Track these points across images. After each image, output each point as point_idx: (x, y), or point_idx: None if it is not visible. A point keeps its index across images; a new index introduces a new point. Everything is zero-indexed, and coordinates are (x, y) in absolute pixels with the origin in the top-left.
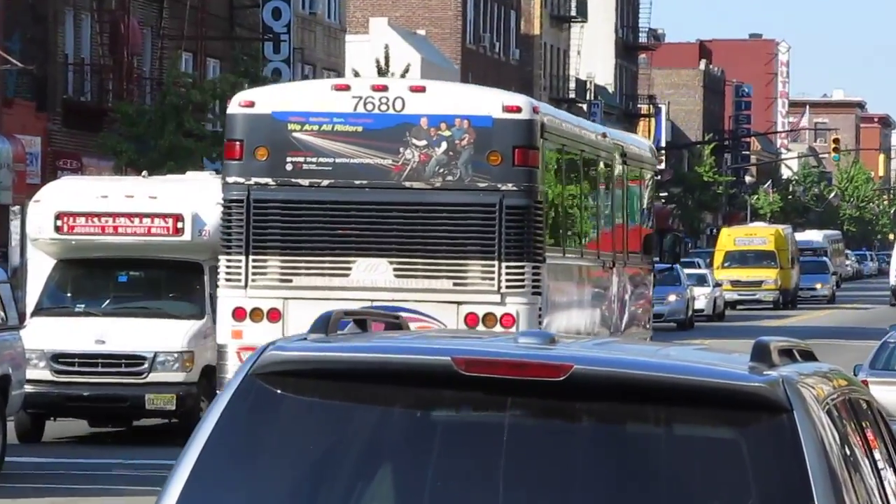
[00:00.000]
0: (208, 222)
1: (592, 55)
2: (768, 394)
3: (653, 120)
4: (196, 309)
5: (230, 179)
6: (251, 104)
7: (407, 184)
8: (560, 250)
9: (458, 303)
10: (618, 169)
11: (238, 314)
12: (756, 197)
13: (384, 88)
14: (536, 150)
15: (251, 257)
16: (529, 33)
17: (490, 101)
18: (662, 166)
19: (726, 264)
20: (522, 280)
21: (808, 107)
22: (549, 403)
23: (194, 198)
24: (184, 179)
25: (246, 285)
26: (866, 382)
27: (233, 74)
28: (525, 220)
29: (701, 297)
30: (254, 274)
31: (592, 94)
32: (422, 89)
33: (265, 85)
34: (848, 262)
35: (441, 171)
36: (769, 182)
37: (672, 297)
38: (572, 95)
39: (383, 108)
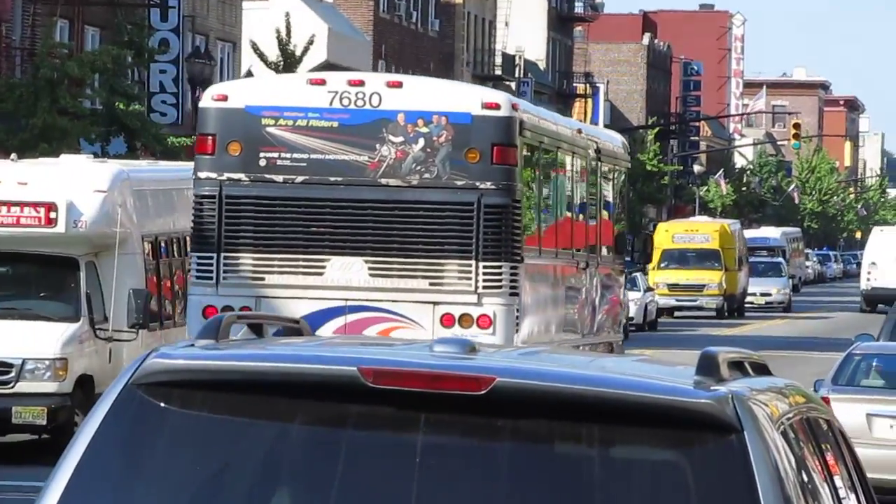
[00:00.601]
0: (85, 212)
1: (522, 27)
2: (716, 412)
3: (590, 101)
4: (70, 310)
5: (202, 175)
6: (224, 98)
7: (383, 181)
8: (536, 250)
9: (435, 303)
10: (592, 166)
11: (208, 312)
12: (706, 189)
13: (361, 83)
14: (515, 147)
15: (223, 254)
16: (451, 2)
17: (469, 98)
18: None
19: (663, 265)
20: (500, 280)
21: (765, 87)
22: (468, 420)
23: (69, 184)
24: (58, 163)
25: (217, 283)
26: (827, 400)
27: (115, 45)
28: (503, 219)
29: (630, 304)
30: (225, 271)
31: (522, 71)
32: (399, 85)
33: (150, 57)
34: (809, 264)
35: (418, 168)
36: (721, 172)
37: None
38: (499, 72)
39: (360, 103)
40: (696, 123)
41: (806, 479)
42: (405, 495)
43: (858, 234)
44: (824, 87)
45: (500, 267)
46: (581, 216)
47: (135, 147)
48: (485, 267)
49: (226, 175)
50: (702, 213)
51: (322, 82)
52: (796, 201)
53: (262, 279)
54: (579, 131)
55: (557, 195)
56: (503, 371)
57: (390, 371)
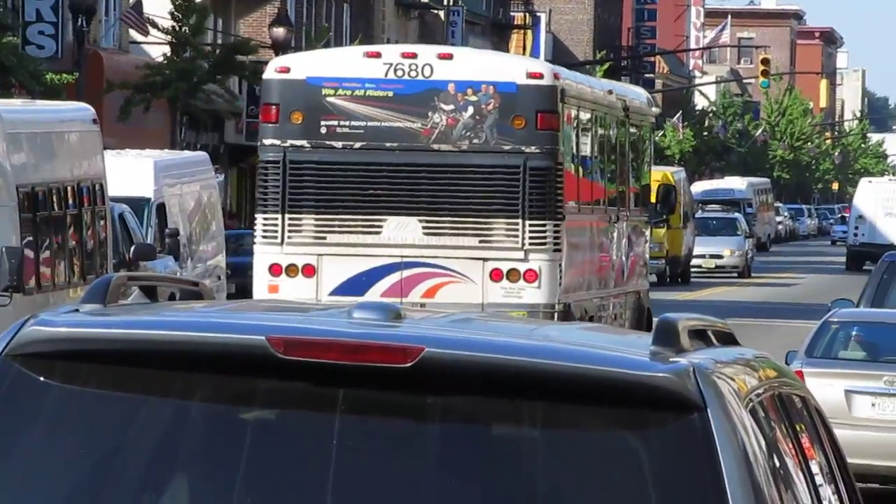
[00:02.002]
0: None
1: None
2: (675, 387)
3: (529, 33)
4: None
5: (266, 142)
6: (286, 70)
7: (435, 146)
8: (575, 207)
9: (484, 259)
10: (622, 124)
11: (274, 270)
12: (662, 133)
13: (413, 56)
14: (557, 114)
15: (287, 216)
16: None
17: (514, 68)
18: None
19: None
20: (545, 237)
21: (729, 17)
22: (392, 397)
23: None
24: None
25: (282, 242)
26: (801, 374)
27: None
28: (547, 180)
29: None
30: (289, 231)
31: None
32: (449, 56)
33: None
34: (779, 219)
35: (468, 134)
36: (679, 114)
37: None
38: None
39: (413, 74)
40: (651, 59)
41: (778, 463)
42: (320, 482)
43: (835, 186)
44: (797, 17)
45: (544, 225)
46: (611, 172)
47: (9, 85)
48: (531, 225)
49: (289, 142)
50: (659, 162)
51: (378, 55)
52: (765, 148)
53: (324, 238)
54: (610, 92)
55: (592, 154)
56: (432, 341)
57: (303, 341)
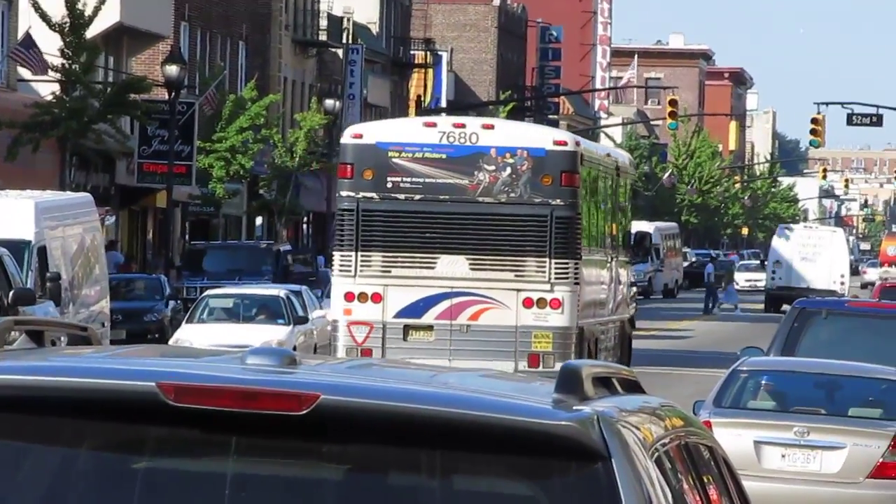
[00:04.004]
0: None
1: None
2: (578, 435)
3: (430, 72)
4: None
5: (344, 193)
6: (360, 136)
7: (480, 199)
8: (588, 249)
9: (518, 290)
10: (615, 181)
11: (348, 297)
12: None
13: (463, 126)
14: (578, 174)
15: (359, 253)
16: None
17: (544, 137)
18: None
19: None
20: (567, 273)
21: (636, 57)
22: (286, 445)
23: None
24: None
25: (355, 275)
26: (709, 424)
27: None
28: (570, 227)
29: None
30: (361, 266)
31: (351, 37)
32: (491, 127)
33: None
34: (686, 264)
35: (505, 189)
36: None
37: None
38: (324, 37)
39: (462, 140)
40: (556, 99)
41: None
42: None
43: (745, 231)
44: (706, 57)
45: (567, 263)
46: (608, 220)
47: None
48: (556, 263)
49: (361, 194)
50: None
51: (434, 125)
52: (673, 191)
53: (389, 272)
54: (608, 155)
55: (598, 205)
56: (328, 387)
57: (194, 387)
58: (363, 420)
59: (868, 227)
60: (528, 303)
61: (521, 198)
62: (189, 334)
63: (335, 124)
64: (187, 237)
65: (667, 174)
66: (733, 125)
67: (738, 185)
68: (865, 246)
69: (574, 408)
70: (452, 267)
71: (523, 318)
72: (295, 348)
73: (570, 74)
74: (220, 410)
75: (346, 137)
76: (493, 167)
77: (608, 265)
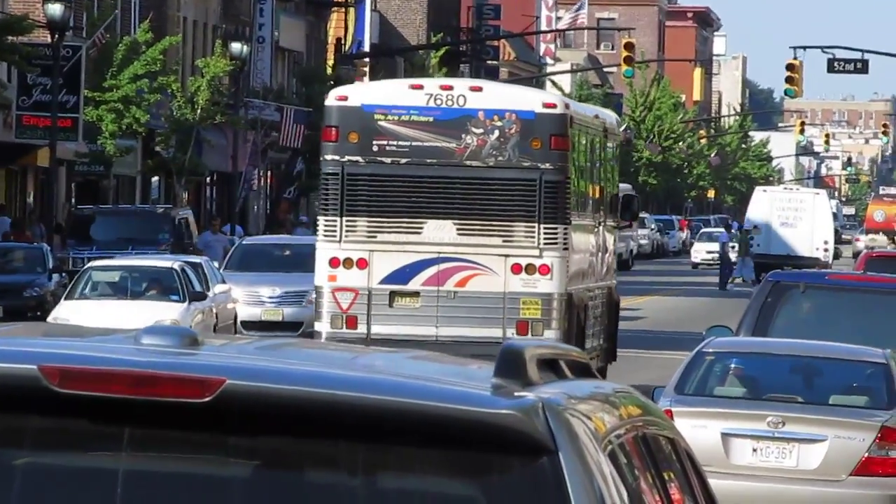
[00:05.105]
0: None
1: None
2: (521, 426)
3: (351, 12)
4: None
5: (328, 157)
6: (345, 98)
7: (467, 162)
8: (577, 214)
9: (506, 255)
10: (602, 143)
11: (333, 262)
12: None
13: (450, 88)
14: (567, 137)
15: (344, 218)
16: None
17: (533, 99)
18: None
19: None
20: (556, 238)
21: None
22: (187, 437)
23: None
24: None
25: (340, 240)
26: (670, 414)
27: None
28: (559, 191)
29: None
30: (346, 231)
31: None
32: (479, 89)
33: None
34: (644, 232)
35: (494, 153)
36: None
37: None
38: None
39: (449, 103)
40: (495, 43)
41: None
42: None
43: (711, 193)
44: None
45: (556, 228)
46: (596, 184)
47: None
48: (545, 228)
49: (346, 158)
50: None
51: (420, 87)
52: (629, 148)
53: (375, 237)
54: (596, 116)
55: (586, 169)
56: (235, 371)
57: (82, 371)
58: (275, 408)
59: (852, 188)
60: (516, 269)
61: (510, 162)
62: (67, 312)
63: (242, 71)
64: (73, 201)
65: (622, 128)
66: (698, 73)
67: (703, 141)
68: (849, 211)
69: (516, 394)
70: (439, 232)
71: (511, 285)
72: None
73: (511, 15)
74: (112, 397)
75: (331, 100)
76: (480, 130)
77: (596, 230)
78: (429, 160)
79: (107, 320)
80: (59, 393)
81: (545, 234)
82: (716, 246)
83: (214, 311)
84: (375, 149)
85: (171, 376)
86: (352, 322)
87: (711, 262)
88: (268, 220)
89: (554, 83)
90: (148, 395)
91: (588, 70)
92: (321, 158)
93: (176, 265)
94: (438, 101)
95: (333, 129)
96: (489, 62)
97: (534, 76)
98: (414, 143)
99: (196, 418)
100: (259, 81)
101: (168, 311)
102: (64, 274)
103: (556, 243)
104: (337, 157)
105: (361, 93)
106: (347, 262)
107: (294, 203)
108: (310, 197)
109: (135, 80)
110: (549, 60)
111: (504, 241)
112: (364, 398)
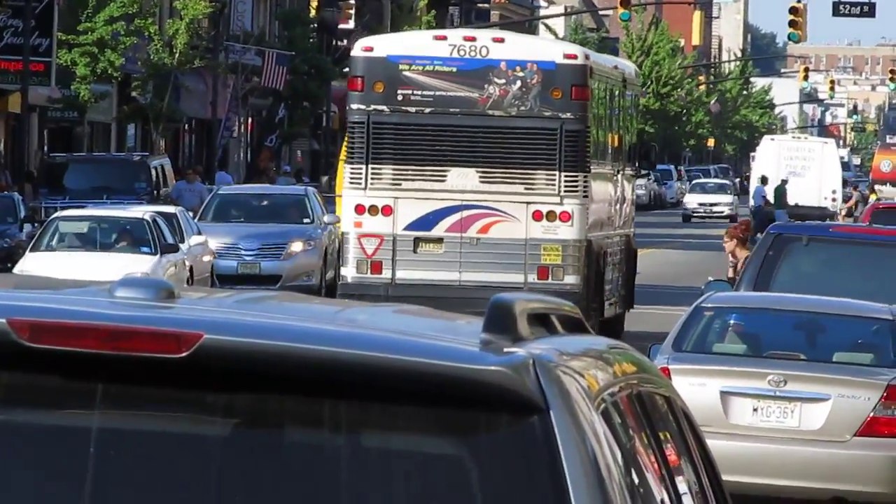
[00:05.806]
0: None
1: None
2: (510, 383)
3: None
4: None
5: (354, 106)
6: (371, 49)
7: (490, 112)
8: (597, 163)
9: (528, 203)
10: (621, 93)
11: (359, 209)
12: None
13: (473, 39)
14: (587, 87)
15: (370, 166)
16: None
17: (554, 50)
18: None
19: None
20: (576, 186)
21: None
22: (163, 394)
23: None
24: None
25: (365, 187)
26: (667, 371)
27: None
28: (579, 140)
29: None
30: (372, 179)
31: None
32: (502, 40)
33: None
34: (642, 182)
35: (516, 102)
36: None
37: (297, 247)
38: None
39: (472, 53)
40: None
41: (636, 479)
42: (73, 498)
43: (711, 143)
44: None
45: (576, 176)
46: (615, 133)
47: None
48: (566, 176)
49: (372, 107)
50: None
51: (444, 38)
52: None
53: (399, 185)
54: (616, 67)
55: (605, 118)
56: (213, 325)
57: (54, 325)
58: (255, 364)
59: (857, 137)
60: (537, 216)
61: (531, 111)
62: (33, 265)
63: (222, 14)
64: (46, 148)
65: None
66: (697, 16)
67: (702, 88)
68: (855, 160)
69: (505, 350)
70: (463, 180)
71: (533, 231)
72: None
73: None
74: (84, 352)
75: (357, 50)
76: (503, 80)
77: (615, 179)
78: (452, 109)
79: (74, 273)
80: (29, 347)
81: (566, 182)
82: (710, 198)
83: (188, 263)
84: (400, 98)
85: (147, 330)
86: (377, 267)
87: (704, 214)
88: (248, 169)
89: (547, 27)
90: (122, 350)
91: (583, 13)
92: (348, 108)
93: (147, 215)
94: (462, 52)
95: (359, 79)
96: (479, 4)
97: (526, 19)
98: (438, 93)
99: (172, 374)
100: (239, 24)
101: (138, 264)
102: (36, 224)
103: (576, 191)
104: (363, 107)
105: (387, 43)
106: (373, 209)
107: (276, 152)
108: (292, 145)
109: (110, 22)
110: (542, 3)
111: (525, 189)
112: (346, 353)
